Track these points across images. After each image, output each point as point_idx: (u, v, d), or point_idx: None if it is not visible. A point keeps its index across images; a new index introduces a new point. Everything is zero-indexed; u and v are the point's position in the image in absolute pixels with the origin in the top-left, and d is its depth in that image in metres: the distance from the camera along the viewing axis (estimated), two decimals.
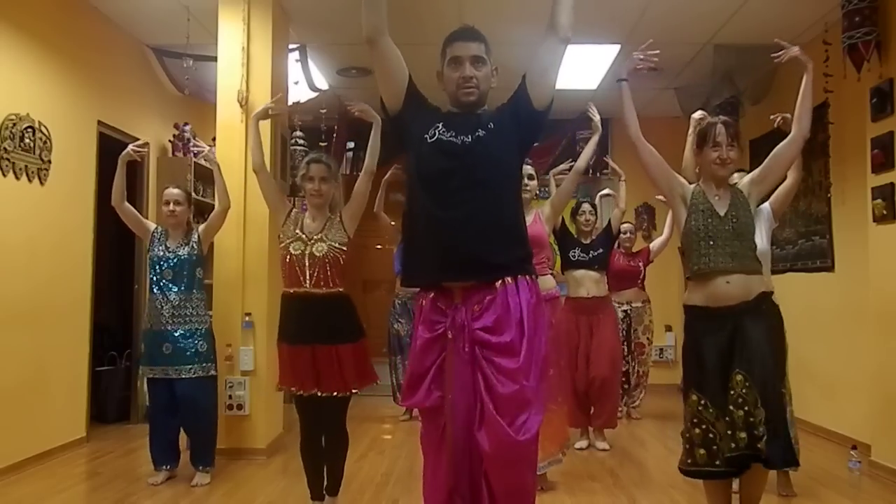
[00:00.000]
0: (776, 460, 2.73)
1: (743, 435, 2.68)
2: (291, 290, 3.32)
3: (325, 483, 3.44)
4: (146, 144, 4.23)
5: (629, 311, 5.88)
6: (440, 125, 2.27)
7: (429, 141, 2.26)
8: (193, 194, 6.01)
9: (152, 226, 4.25)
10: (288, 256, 3.30)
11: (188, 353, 3.99)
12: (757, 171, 3.00)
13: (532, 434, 2.11)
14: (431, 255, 2.22)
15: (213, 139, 5.10)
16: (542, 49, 2.31)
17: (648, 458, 4.76)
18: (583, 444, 4.92)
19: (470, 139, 2.24)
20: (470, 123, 2.28)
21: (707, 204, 2.88)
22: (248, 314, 4.63)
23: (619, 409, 5.43)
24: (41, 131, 4.49)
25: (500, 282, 2.17)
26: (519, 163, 2.37)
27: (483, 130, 2.25)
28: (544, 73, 2.34)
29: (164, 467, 4.07)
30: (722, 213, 2.85)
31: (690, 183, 3.03)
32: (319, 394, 3.25)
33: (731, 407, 2.71)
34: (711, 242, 2.82)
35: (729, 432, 2.70)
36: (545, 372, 2.23)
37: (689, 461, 2.82)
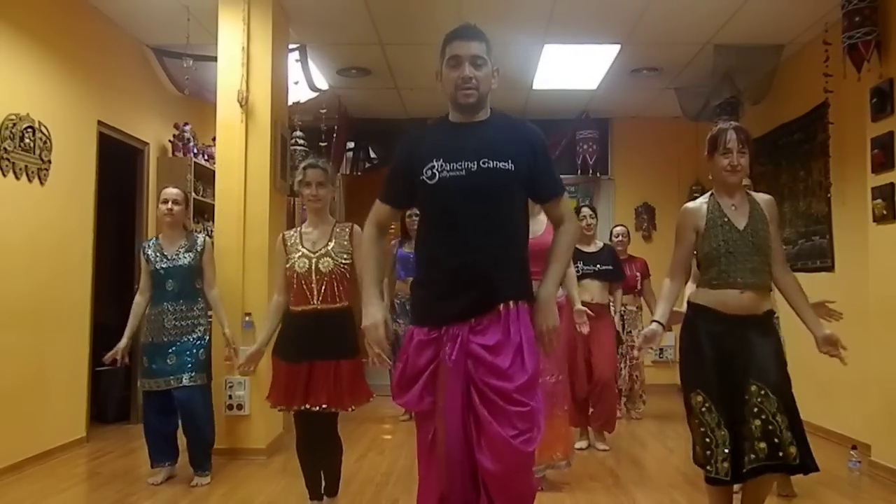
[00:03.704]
0: (806, 465, 2.68)
1: (763, 445, 2.62)
2: (299, 309, 3.25)
3: (324, 485, 3.43)
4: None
5: (622, 313, 5.87)
6: (434, 162, 2.17)
7: (429, 183, 2.18)
8: (193, 194, 6.03)
9: (140, 251, 4.19)
10: (295, 275, 3.24)
11: (188, 362, 3.98)
12: (775, 225, 2.92)
13: (534, 448, 2.10)
14: (441, 301, 2.19)
15: (213, 139, 5.11)
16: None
17: (648, 458, 4.76)
18: (583, 444, 4.92)
19: (476, 167, 2.15)
20: (473, 145, 2.18)
21: (724, 218, 2.82)
22: (248, 314, 4.63)
23: (618, 412, 5.44)
24: (41, 131, 4.49)
25: (501, 305, 2.15)
26: (525, 196, 2.31)
27: (495, 161, 2.16)
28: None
29: (162, 464, 4.07)
30: (741, 227, 2.80)
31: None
32: (308, 407, 3.20)
33: (749, 418, 2.66)
34: (732, 258, 2.78)
35: (747, 443, 2.65)
36: (540, 388, 2.20)
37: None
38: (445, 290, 2.17)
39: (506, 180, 2.17)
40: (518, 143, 2.22)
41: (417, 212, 3.28)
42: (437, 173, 2.17)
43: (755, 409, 2.66)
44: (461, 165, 2.16)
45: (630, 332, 5.96)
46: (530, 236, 2.35)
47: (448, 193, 2.16)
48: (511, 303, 2.16)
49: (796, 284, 2.93)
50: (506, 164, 2.17)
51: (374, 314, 2.28)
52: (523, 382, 2.09)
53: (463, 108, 2.23)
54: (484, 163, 2.15)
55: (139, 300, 4.13)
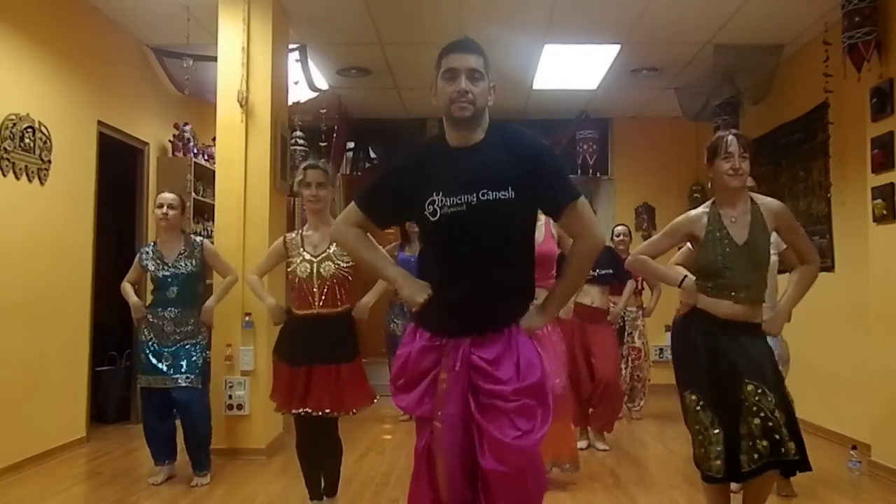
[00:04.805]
0: (803, 463, 2.70)
1: (765, 443, 2.64)
2: (301, 312, 3.27)
3: (323, 485, 3.43)
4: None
5: (623, 314, 5.86)
6: (435, 196, 2.08)
7: (432, 220, 2.09)
8: (193, 194, 6.04)
9: (138, 256, 4.18)
10: (297, 279, 3.26)
11: (185, 364, 3.97)
12: (793, 231, 2.93)
13: (536, 444, 2.07)
14: (444, 318, 2.16)
15: (213, 139, 5.11)
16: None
17: (648, 458, 4.76)
18: (583, 444, 4.91)
19: (476, 200, 2.06)
20: (471, 174, 2.08)
21: (724, 231, 2.81)
22: (248, 314, 4.63)
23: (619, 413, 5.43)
24: (41, 131, 4.49)
25: (504, 328, 2.14)
26: (533, 217, 2.26)
27: (494, 192, 2.07)
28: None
29: (164, 462, 4.07)
30: (740, 243, 2.79)
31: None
32: (310, 412, 3.20)
33: (748, 417, 2.67)
34: (729, 273, 2.78)
35: (748, 443, 2.67)
36: (544, 393, 2.14)
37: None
38: (449, 312, 2.15)
39: (505, 210, 2.09)
40: (518, 164, 2.11)
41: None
42: (438, 209, 2.09)
43: (754, 408, 2.67)
44: (461, 199, 2.07)
45: (631, 333, 5.96)
46: None
47: (450, 229, 2.10)
48: (514, 325, 2.15)
49: (805, 277, 2.95)
50: (505, 192, 2.07)
51: (420, 288, 2.17)
52: (520, 387, 2.07)
53: (457, 122, 2.10)
54: (483, 195, 2.07)
55: (126, 284, 4.14)
